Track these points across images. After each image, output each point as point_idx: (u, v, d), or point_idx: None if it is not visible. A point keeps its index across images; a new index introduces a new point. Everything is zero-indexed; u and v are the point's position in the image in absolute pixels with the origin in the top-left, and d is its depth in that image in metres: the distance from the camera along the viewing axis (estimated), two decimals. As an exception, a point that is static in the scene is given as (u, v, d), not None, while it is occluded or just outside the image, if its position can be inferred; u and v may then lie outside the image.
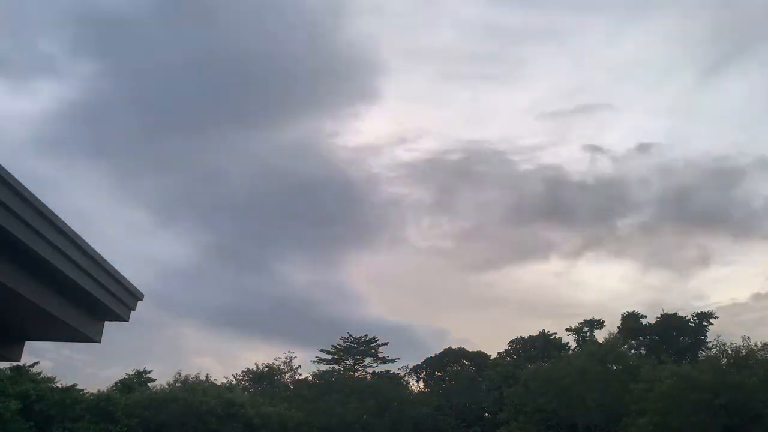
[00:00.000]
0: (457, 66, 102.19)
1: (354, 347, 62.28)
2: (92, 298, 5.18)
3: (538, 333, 59.75)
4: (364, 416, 42.34)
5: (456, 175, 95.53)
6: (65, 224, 4.39)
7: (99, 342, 6.03)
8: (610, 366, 37.77)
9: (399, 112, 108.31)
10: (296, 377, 55.50)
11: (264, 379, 53.80)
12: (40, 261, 4.33)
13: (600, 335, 51.41)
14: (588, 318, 56.26)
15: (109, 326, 6.09)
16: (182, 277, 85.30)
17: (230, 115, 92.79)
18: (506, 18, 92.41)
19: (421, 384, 63.78)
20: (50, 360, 33.88)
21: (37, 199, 4.02)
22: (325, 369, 56.75)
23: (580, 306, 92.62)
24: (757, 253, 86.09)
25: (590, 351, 39.53)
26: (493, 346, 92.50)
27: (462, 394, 49.86)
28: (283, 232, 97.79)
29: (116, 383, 40.44)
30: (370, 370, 60.57)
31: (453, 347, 65.78)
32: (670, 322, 53.45)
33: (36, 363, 33.50)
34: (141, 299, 5.91)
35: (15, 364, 28.04)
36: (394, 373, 59.45)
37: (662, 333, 53.39)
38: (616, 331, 51.08)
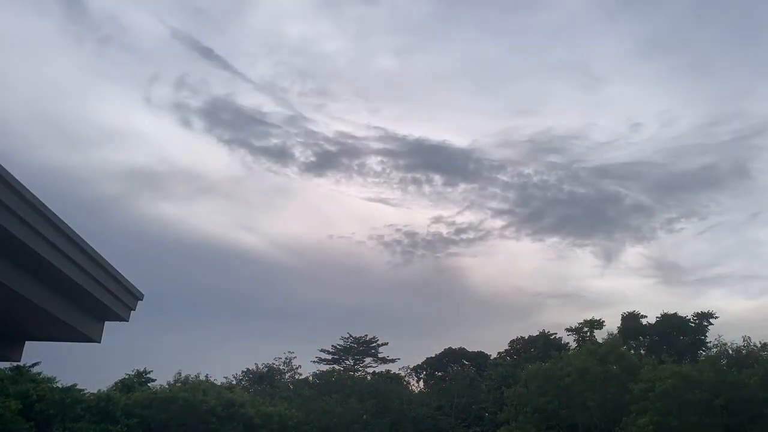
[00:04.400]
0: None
1: (354, 347, 62.35)
2: (92, 298, 5.18)
3: (538, 333, 59.81)
4: (364, 416, 42.32)
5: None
6: (65, 224, 4.39)
7: (99, 342, 6.03)
8: (610, 366, 37.75)
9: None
10: (296, 377, 55.57)
11: (264, 379, 53.84)
12: (40, 261, 4.32)
13: (600, 335, 51.46)
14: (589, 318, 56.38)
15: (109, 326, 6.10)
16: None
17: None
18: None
19: (421, 384, 63.85)
20: (50, 360, 34.12)
21: (37, 199, 4.01)
22: (325, 369, 56.86)
23: None
24: None
25: (590, 351, 39.51)
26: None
27: (462, 394, 49.87)
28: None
29: (116, 383, 40.42)
30: (370, 370, 60.68)
31: (453, 347, 65.83)
32: (670, 322, 53.45)
33: (36, 363, 33.51)
34: (141, 299, 5.92)
35: (15, 364, 28.04)
36: (394, 373, 59.50)
37: (662, 333, 53.38)
38: (616, 331, 51.09)
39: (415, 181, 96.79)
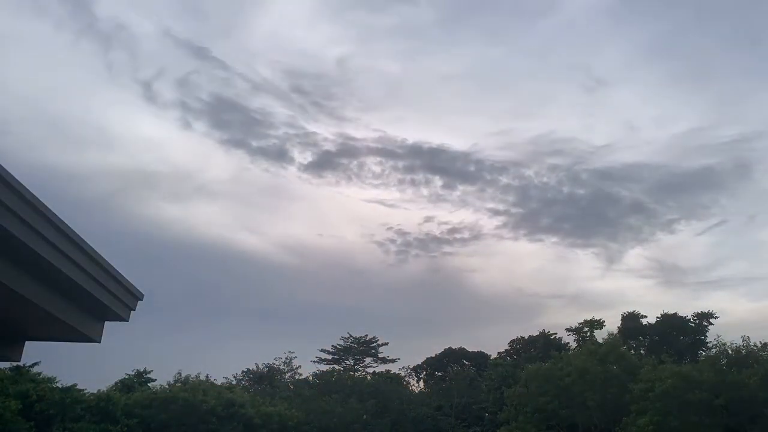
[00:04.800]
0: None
1: (354, 347, 62.33)
2: (92, 298, 5.18)
3: (538, 333, 59.81)
4: (364, 416, 42.32)
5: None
6: (65, 224, 4.39)
7: (99, 342, 6.03)
8: (610, 366, 37.75)
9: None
10: (296, 377, 55.57)
11: (264, 379, 53.83)
12: (40, 261, 4.32)
13: (600, 335, 51.44)
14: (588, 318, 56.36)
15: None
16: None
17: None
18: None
19: (421, 384, 63.84)
20: (50, 360, 34.36)
21: (37, 199, 4.01)
22: (325, 369, 56.85)
23: None
24: None
25: (590, 351, 39.51)
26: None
27: (462, 394, 49.86)
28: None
29: (116, 383, 40.42)
30: (370, 370, 60.66)
31: (453, 347, 65.82)
32: (670, 322, 53.44)
33: (36, 363, 33.51)
34: (141, 299, 5.91)
35: (15, 364, 28.03)
36: (394, 373, 59.47)
37: (662, 333, 53.37)
38: (616, 331, 51.09)
39: (415, 183, 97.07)
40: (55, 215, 4.24)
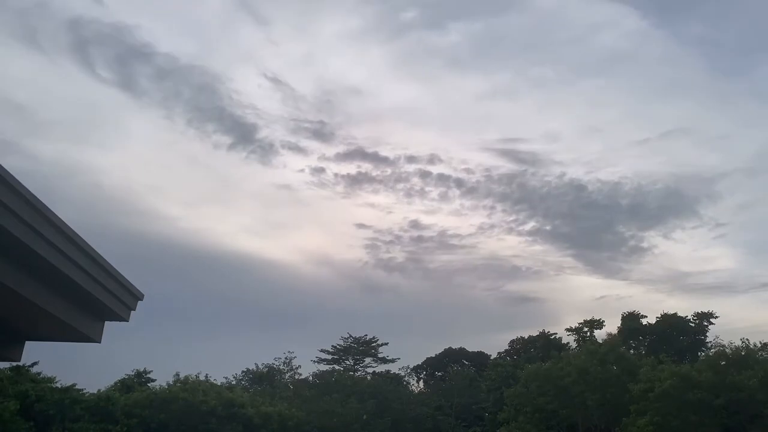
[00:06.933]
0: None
1: (354, 347, 62.27)
2: (92, 298, 5.17)
3: (538, 333, 59.79)
4: (364, 416, 42.31)
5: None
6: (65, 224, 4.38)
7: (99, 342, 6.02)
8: (610, 366, 37.73)
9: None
10: (296, 377, 55.54)
11: (264, 379, 53.80)
12: (40, 261, 4.31)
13: (600, 335, 51.43)
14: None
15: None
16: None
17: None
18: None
19: (421, 384, 63.83)
20: (50, 360, 34.40)
21: (37, 199, 4.00)
22: (325, 369, 56.83)
23: None
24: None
25: (590, 351, 39.48)
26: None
27: (462, 394, 49.85)
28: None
29: (116, 383, 40.38)
30: (370, 370, 60.62)
31: (453, 347, 65.78)
32: (670, 322, 53.42)
33: (35, 363, 33.48)
34: (141, 299, 5.90)
35: (15, 364, 27.99)
36: (394, 373, 59.44)
37: (662, 333, 53.35)
38: (616, 331, 51.09)
39: (414, 189, 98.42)
40: (55, 215, 4.23)
